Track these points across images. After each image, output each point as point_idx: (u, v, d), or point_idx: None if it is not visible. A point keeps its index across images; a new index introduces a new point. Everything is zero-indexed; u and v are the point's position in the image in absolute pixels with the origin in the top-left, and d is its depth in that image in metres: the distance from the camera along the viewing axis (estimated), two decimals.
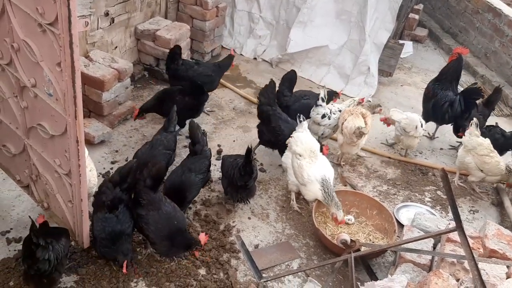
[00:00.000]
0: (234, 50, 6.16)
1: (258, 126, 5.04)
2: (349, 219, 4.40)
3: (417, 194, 5.08)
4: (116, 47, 5.67)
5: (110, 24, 5.44)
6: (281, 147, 4.75)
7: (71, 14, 2.77)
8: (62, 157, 3.40)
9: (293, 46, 6.74)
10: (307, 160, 4.33)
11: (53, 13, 2.83)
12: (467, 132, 5.07)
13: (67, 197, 3.57)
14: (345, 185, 5.02)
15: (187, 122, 4.69)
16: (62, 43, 2.87)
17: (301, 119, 4.62)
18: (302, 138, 4.45)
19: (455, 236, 3.47)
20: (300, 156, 4.36)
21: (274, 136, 4.84)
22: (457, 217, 3.00)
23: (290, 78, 5.44)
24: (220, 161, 4.68)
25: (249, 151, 4.15)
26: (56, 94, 3.14)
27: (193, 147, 4.33)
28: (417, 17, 8.55)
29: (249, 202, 4.48)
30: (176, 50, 5.58)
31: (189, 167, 4.17)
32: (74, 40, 2.84)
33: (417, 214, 4.27)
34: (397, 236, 4.17)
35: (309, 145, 4.40)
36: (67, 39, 2.83)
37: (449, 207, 4.73)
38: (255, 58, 7.08)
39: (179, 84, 5.34)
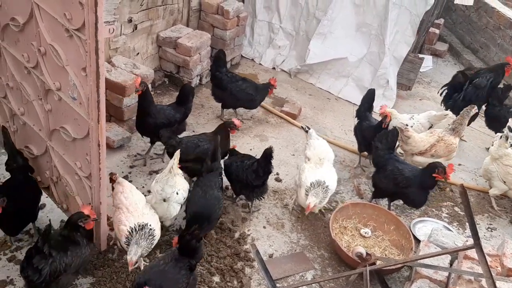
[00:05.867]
0: (275, 80, 5.75)
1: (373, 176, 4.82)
2: (365, 232, 4.38)
3: (434, 210, 5.03)
4: (138, 53, 5.76)
5: (133, 31, 5.53)
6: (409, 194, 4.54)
7: (98, 20, 2.83)
8: (83, 160, 3.46)
9: (312, 57, 6.76)
10: (311, 166, 4.46)
11: (81, 19, 2.90)
12: (495, 143, 5.05)
13: (86, 199, 3.62)
14: (362, 198, 4.99)
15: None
16: (88, 49, 2.93)
17: (307, 128, 4.76)
18: (316, 144, 4.57)
19: (472, 253, 3.43)
20: (308, 160, 4.52)
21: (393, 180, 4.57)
22: (475, 234, 2.97)
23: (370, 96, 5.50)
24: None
25: (270, 152, 4.21)
26: (80, 98, 3.20)
27: (211, 163, 4.20)
28: (437, 31, 8.51)
29: (264, 198, 4.52)
30: (219, 55, 5.61)
31: (209, 185, 4.07)
32: (100, 46, 2.91)
33: (434, 230, 4.22)
34: (414, 252, 4.13)
35: (320, 152, 4.52)
36: (93, 45, 2.90)
37: (466, 223, 4.67)
38: (274, 68, 7.12)
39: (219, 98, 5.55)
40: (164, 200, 3.85)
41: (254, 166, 4.29)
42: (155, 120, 4.63)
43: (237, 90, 5.55)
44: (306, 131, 4.71)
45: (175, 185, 3.86)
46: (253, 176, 4.25)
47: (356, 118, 5.45)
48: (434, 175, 4.30)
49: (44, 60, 3.39)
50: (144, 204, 3.78)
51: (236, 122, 4.65)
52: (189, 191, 4.11)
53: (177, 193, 3.90)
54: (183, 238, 3.31)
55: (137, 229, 3.51)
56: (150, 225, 3.58)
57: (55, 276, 3.20)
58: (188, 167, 4.41)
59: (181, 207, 4.05)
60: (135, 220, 3.56)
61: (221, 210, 4.15)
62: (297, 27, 7.10)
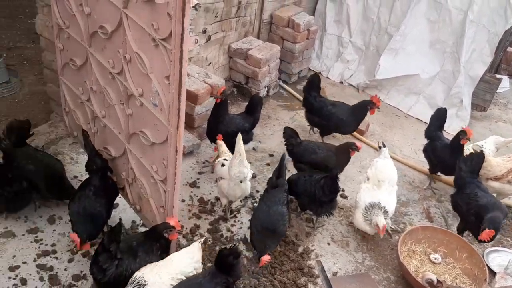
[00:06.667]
0: (378, 99, 5.35)
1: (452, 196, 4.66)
2: (435, 258, 4.19)
3: (509, 239, 4.73)
4: (210, 63, 5.90)
5: (207, 41, 5.68)
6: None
7: (184, 31, 2.92)
8: (159, 164, 3.56)
9: (382, 73, 6.63)
10: (369, 186, 4.37)
11: (168, 29, 3.00)
12: None
13: (159, 202, 3.72)
14: (431, 221, 4.79)
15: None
16: (173, 58, 3.02)
17: (381, 145, 4.61)
18: (379, 164, 4.46)
19: None
20: (367, 179, 4.43)
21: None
22: None
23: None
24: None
25: (336, 174, 4.17)
26: (161, 105, 3.30)
27: (276, 180, 4.17)
28: None
29: (333, 214, 4.45)
30: (314, 79, 5.47)
31: (273, 200, 4.04)
32: (184, 56, 2.99)
33: (511, 261, 3.96)
34: (487, 283, 3.89)
35: (380, 173, 4.40)
36: (177, 54, 2.99)
37: None
38: (341, 82, 7.05)
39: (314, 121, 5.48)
40: (241, 182, 4.11)
41: (321, 182, 4.24)
42: (227, 128, 4.71)
43: (328, 116, 5.35)
44: (379, 148, 4.58)
45: (248, 164, 4.14)
46: (320, 192, 4.20)
47: (426, 138, 5.26)
48: None
49: (129, 67, 3.53)
50: None
51: (358, 144, 4.70)
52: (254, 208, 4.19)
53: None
54: (221, 252, 3.27)
55: None
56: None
57: (119, 279, 3.24)
58: None
59: None
60: None
61: (286, 227, 4.09)
62: (367, 41, 7.00)
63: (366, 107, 5.30)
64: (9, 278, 3.60)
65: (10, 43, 6.55)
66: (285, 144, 4.92)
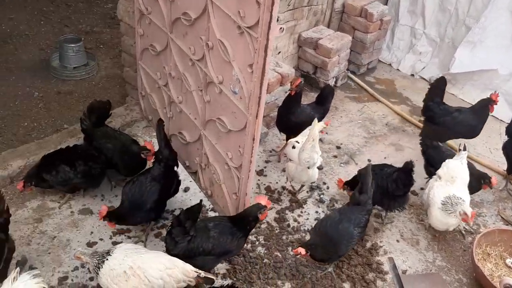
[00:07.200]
0: (497, 95, 4.96)
1: None
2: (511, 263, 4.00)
3: None
4: (280, 52, 5.87)
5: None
6: None
7: (272, 19, 2.91)
8: (235, 151, 3.60)
9: (457, 66, 6.33)
10: (442, 183, 4.20)
11: (255, 17, 3.01)
12: None
13: (232, 189, 3.77)
14: (507, 224, 4.56)
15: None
16: (258, 46, 3.03)
17: (461, 148, 4.40)
18: (452, 165, 4.28)
19: None
20: (439, 178, 4.27)
21: None
22: None
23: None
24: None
25: (411, 167, 4.08)
26: (242, 93, 3.33)
27: (358, 195, 3.85)
28: None
29: (405, 208, 4.36)
30: (439, 84, 5.19)
31: (349, 217, 3.71)
32: (270, 45, 2.99)
33: None
34: None
35: (452, 170, 4.23)
36: (263, 42, 2.99)
37: None
38: (412, 75, 6.81)
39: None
40: (308, 168, 4.08)
41: (394, 176, 4.15)
42: (297, 119, 4.69)
43: (453, 124, 5.00)
44: (459, 150, 4.38)
45: (319, 151, 4.10)
46: (393, 186, 4.10)
47: (506, 136, 4.99)
48: None
49: (210, 54, 3.58)
50: None
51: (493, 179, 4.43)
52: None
53: (320, 156, 4.17)
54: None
55: None
56: None
57: (189, 254, 3.35)
58: None
59: None
60: None
61: (348, 250, 3.81)
62: (443, 33, 6.69)
63: (487, 106, 5.02)
64: None
65: (87, 27, 6.83)
66: (420, 144, 4.81)
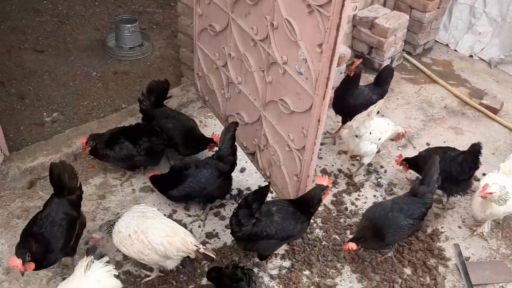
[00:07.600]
0: None
1: None
2: None
3: None
4: None
5: None
6: None
7: None
8: (297, 133, 3.57)
9: None
10: (497, 174, 4.03)
11: None
12: None
13: (292, 170, 3.75)
14: None
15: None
16: (329, 25, 2.96)
17: None
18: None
19: None
20: (498, 170, 4.12)
21: None
22: None
23: None
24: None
25: (479, 148, 3.96)
26: (308, 73, 3.27)
27: (418, 186, 3.69)
28: None
29: (468, 193, 4.24)
30: None
31: (401, 207, 3.59)
32: (342, 23, 2.91)
33: None
34: None
35: None
36: (336, 21, 2.91)
37: None
38: (471, 56, 6.53)
39: None
40: (357, 136, 4.18)
41: (459, 159, 4.01)
42: (355, 101, 4.59)
43: None
44: None
45: (370, 127, 4.16)
46: (458, 169, 3.97)
47: None
48: None
49: (274, 34, 3.53)
50: None
51: None
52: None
53: (370, 133, 4.19)
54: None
55: None
56: None
57: (253, 238, 3.34)
58: None
59: (377, 146, 4.37)
60: None
61: (396, 241, 3.69)
62: (505, 12, 6.35)
63: None
64: None
65: (140, 8, 6.88)
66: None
